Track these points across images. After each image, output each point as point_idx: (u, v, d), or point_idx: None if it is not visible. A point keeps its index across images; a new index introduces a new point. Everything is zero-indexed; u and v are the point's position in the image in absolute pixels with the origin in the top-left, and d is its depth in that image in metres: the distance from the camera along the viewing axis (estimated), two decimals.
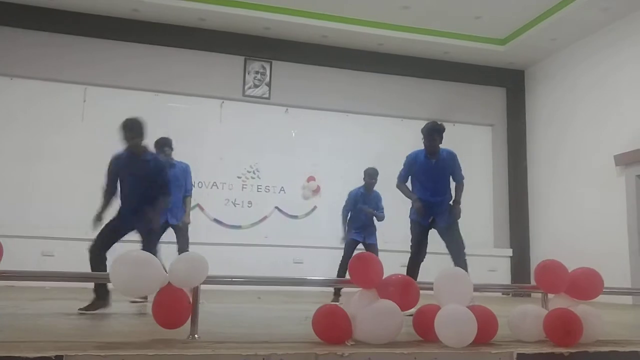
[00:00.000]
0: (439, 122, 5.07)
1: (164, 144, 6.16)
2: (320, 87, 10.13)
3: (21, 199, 8.64)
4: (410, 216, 5.15)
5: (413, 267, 4.95)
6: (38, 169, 8.79)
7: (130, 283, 2.76)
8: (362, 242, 6.61)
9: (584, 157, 9.33)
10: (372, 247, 6.52)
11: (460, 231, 5.00)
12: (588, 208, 9.10)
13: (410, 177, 5.18)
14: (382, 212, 6.65)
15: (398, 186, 5.23)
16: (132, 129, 4.63)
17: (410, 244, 5.12)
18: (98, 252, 4.43)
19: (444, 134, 5.04)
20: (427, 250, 5.08)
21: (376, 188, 6.72)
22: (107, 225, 4.60)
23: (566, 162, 9.79)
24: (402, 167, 5.26)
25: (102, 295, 4.39)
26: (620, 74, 8.75)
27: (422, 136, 5.05)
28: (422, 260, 4.99)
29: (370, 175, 6.66)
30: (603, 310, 3.25)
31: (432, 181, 5.01)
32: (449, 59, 10.54)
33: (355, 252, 6.21)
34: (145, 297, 5.35)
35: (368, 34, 9.60)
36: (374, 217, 6.65)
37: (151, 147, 4.98)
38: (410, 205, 5.15)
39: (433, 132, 4.95)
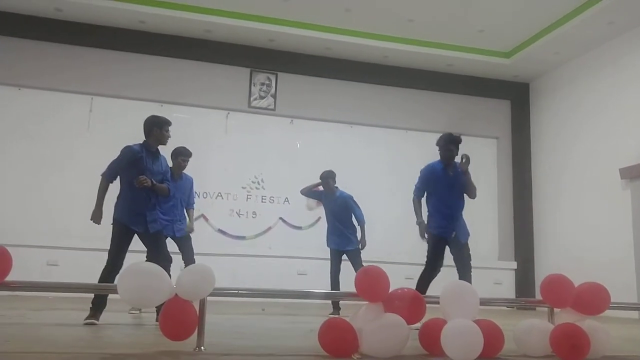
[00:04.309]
0: (455, 134, 5.10)
1: (180, 153, 6.08)
2: (325, 98, 10.17)
3: (27, 208, 8.66)
4: (430, 229, 5.03)
5: (425, 281, 4.88)
6: (44, 178, 8.82)
7: (137, 294, 2.76)
8: (342, 251, 6.53)
9: (589, 170, 9.32)
10: (351, 255, 6.46)
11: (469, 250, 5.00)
12: (593, 221, 9.07)
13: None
14: (358, 213, 6.55)
15: (413, 200, 5.15)
16: (160, 124, 4.73)
17: (427, 257, 5.01)
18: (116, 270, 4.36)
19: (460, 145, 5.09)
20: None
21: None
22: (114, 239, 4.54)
23: (571, 175, 9.78)
24: (417, 180, 5.22)
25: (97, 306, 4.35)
26: (625, 87, 8.76)
27: (438, 147, 5.09)
28: (435, 276, 4.92)
29: (324, 179, 6.58)
30: (608, 324, 3.23)
31: (450, 194, 4.98)
32: (454, 72, 10.58)
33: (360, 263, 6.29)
34: (140, 309, 5.36)
35: (373, 46, 9.65)
36: (355, 223, 6.59)
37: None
38: (426, 220, 5.08)
39: (449, 144, 5.00)
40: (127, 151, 4.60)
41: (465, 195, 5.07)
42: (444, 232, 4.95)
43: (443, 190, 5.00)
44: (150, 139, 4.71)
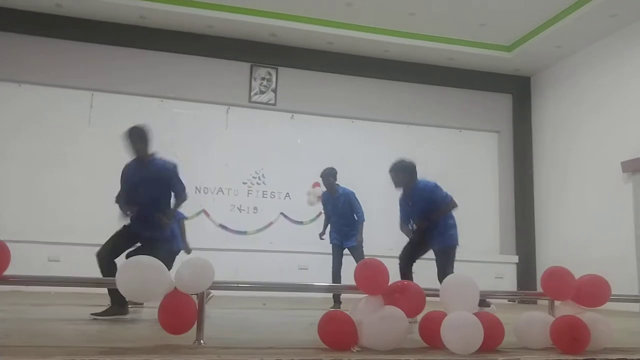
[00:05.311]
0: (403, 160, 5.16)
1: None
2: (326, 93, 10.15)
3: (28, 204, 8.67)
4: None
5: (401, 270, 4.98)
6: (45, 174, 8.82)
7: (136, 288, 2.75)
8: (344, 247, 6.56)
9: (591, 164, 9.30)
10: (353, 250, 6.49)
11: (453, 263, 5.00)
12: (595, 215, 9.05)
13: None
14: (359, 211, 6.55)
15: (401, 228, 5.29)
16: (133, 135, 4.64)
17: None
18: (107, 257, 4.40)
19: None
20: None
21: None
22: (117, 231, 4.61)
23: (572, 169, 9.75)
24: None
25: (119, 301, 4.35)
26: (627, 80, 8.72)
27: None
28: (407, 263, 5.01)
29: (324, 177, 6.61)
30: (610, 317, 3.22)
31: (413, 215, 5.13)
32: (455, 66, 10.54)
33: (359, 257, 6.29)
34: (142, 303, 5.35)
35: (374, 40, 9.62)
36: (355, 219, 6.58)
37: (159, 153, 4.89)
38: None
39: (391, 170, 5.16)
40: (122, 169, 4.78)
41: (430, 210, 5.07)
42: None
43: (405, 210, 5.20)
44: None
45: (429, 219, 4.97)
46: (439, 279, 4.81)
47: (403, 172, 5.10)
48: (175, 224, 4.95)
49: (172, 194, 4.73)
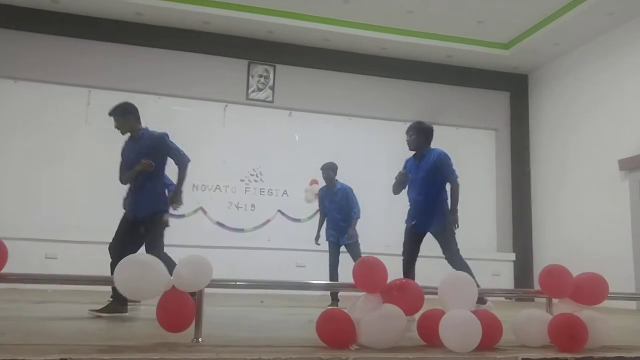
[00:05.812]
0: (423, 122, 5.13)
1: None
2: (324, 90, 10.14)
3: (25, 202, 8.65)
4: None
5: (404, 268, 4.95)
6: (42, 171, 8.80)
7: (134, 286, 2.74)
8: (340, 244, 6.56)
9: (588, 162, 9.31)
10: (350, 248, 6.49)
11: (455, 238, 4.91)
12: (592, 212, 9.07)
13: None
14: (355, 206, 6.55)
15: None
16: (115, 113, 4.73)
17: None
18: (119, 252, 4.29)
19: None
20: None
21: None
22: (119, 226, 4.57)
23: (570, 167, 9.77)
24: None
25: (119, 298, 4.27)
26: (624, 78, 8.74)
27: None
28: (411, 262, 4.95)
29: (325, 170, 6.64)
30: (607, 315, 3.22)
31: (415, 181, 5.02)
32: (453, 63, 10.54)
33: (361, 255, 6.30)
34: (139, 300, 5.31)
35: (371, 37, 9.61)
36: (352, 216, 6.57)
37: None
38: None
39: (409, 130, 5.09)
40: None
41: (439, 184, 5.01)
42: (408, 221, 5.08)
43: (411, 178, 5.07)
44: None
45: (454, 211, 4.86)
46: (448, 260, 4.82)
47: (419, 134, 5.03)
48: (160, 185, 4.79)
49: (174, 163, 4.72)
